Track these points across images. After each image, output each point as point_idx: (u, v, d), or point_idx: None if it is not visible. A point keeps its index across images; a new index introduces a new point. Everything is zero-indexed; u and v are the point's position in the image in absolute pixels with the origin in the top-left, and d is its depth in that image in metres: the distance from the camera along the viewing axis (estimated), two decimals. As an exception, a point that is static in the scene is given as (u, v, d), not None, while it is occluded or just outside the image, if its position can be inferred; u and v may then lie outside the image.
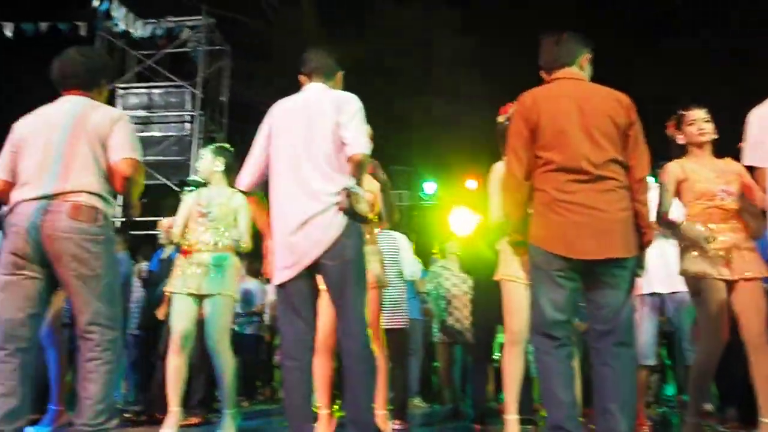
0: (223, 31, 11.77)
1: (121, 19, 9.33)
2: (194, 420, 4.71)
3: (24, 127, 2.89)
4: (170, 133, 10.45)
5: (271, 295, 8.28)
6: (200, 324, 4.06)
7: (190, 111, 10.50)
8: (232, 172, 4.23)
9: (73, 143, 2.76)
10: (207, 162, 4.24)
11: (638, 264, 2.76)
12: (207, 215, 4.07)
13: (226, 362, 3.99)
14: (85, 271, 2.68)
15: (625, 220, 2.66)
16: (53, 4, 12.22)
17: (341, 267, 2.77)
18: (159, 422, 4.10)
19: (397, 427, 4.49)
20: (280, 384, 9.26)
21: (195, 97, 10.50)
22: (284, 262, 2.83)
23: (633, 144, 2.72)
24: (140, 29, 9.89)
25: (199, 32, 10.94)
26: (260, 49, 19.21)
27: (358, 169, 2.80)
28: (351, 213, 2.72)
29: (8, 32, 8.62)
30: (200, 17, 11.00)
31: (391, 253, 4.70)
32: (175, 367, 3.96)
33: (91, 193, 2.73)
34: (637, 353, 3.53)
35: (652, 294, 4.08)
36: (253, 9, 19.49)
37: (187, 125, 10.47)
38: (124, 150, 2.80)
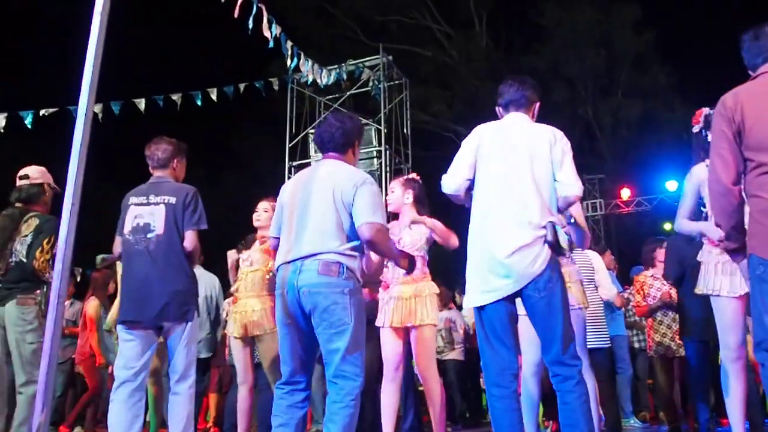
0: (400, 65, 12.22)
1: (308, 70, 10.03)
2: (407, 446, 4.84)
3: (287, 191, 3.27)
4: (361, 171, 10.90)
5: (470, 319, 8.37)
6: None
7: (376, 147, 10.93)
8: (421, 202, 4.36)
9: (324, 210, 3.06)
10: (397, 195, 4.41)
11: None
12: (398, 243, 4.20)
13: (434, 388, 4.10)
14: (334, 320, 2.94)
15: None
16: (244, 68, 13.48)
17: (547, 299, 2.80)
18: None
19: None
20: (487, 408, 9.25)
21: (380, 133, 10.92)
22: (485, 286, 2.86)
23: None
24: (325, 77, 10.57)
25: (378, 70, 11.43)
26: (436, 77, 19.64)
27: (569, 207, 2.96)
28: (555, 246, 2.81)
29: (213, 96, 9.64)
30: (378, 56, 11.52)
31: (586, 273, 4.60)
32: (388, 397, 4.12)
33: (336, 253, 3.00)
34: None
35: None
36: (427, 39, 20.05)
37: (375, 161, 10.88)
38: (363, 215, 3.02)
